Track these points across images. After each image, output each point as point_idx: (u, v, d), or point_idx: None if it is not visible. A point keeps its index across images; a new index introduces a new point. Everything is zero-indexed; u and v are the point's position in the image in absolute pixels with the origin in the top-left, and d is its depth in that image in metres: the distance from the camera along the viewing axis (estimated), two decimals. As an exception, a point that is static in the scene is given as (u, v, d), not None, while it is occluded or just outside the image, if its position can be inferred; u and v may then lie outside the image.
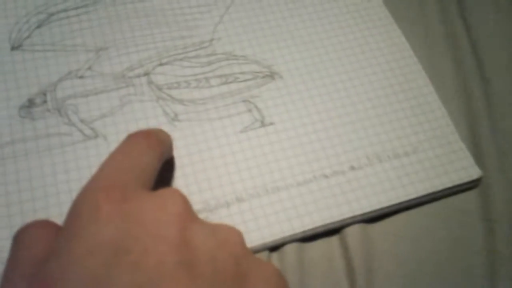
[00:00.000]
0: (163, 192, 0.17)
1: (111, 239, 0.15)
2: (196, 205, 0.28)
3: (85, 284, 0.14)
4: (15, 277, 0.15)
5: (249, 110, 0.31)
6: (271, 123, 0.31)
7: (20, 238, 0.16)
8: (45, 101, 0.30)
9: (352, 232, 0.29)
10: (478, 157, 0.31)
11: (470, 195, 0.30)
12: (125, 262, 0.14)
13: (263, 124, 0.31)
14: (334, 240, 0.29)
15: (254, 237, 0.27)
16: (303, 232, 0.28)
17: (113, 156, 0.18)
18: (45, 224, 0.17)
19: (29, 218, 0.26)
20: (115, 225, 0.15)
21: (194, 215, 0.17)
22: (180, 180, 0.28)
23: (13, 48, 0.32)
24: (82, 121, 0.30)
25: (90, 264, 0.14)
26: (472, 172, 0.30)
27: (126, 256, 0.14)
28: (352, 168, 0.30)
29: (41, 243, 0.16)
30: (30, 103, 0.30)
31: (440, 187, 0.30)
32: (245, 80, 0.32)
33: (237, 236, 0.17)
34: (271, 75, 0.33)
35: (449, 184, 0.30)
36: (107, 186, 0.16)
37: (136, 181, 0.17)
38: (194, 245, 0.16)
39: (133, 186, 0.17)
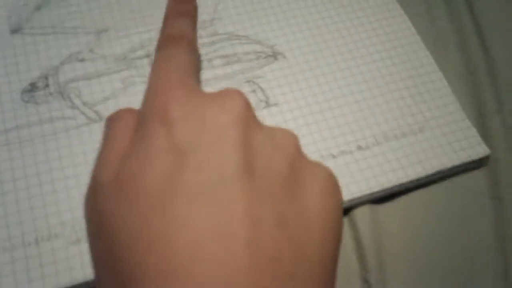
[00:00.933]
0: (224, 92, 0.17)
1: (178, 140, 0.15)
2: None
3: (155, 185, 0.15)
4: (103, 168, 0.16)
5: (253, 91, 0.31)
6: (276, 104, 0.31)
7: (108, 127, 0.18)
8: (47, 85, 0.29)
9: (361, 213, 0.28)
10: (485, 135, 0.31)
11: (478, 173, 0.30)
12: (192, 162, 0.15)
13: (267, 105, 0.31)
14: (343, 221, 0.29)
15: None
16: (311, 212, 0.28)
17: (155, 71, 0.18)
18: (132, 114, 0.17)
19: (37, 204, 0.26)
20: (181, 127, 0.16)
21: (254, 117, 0.17)
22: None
23: (12, 32, 0.31)
24: (85, 104, 0.29)
25: (161, 165, 0.15)
26: (480, 150, 0.30)
27: (191, 157, 0.15)
28: (359, 147, 0.30)
29: (129, 133, 0.17)
30: (33, 87, 0.29)
31: (448, 165, 0.30)
32: (248, 61, 0.32)
33: (293, 139, 0.17)
34: (274, 55, 0.32)
35: (457, 162, 0.30)
36: (168, 87, 0.17)
37: (189, 79, 0.18)
38: (254, 148, 0.16)
39: (190, 84, 0.17)
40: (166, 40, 0.20)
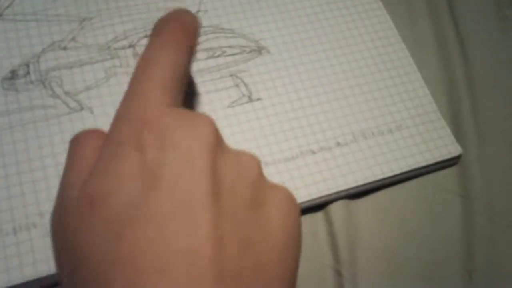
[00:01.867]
0: (196, 117, 0.17)
1: (151, 165, 0.16)
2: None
3: (124, 206, 0.15)
4: (69, 185, 0.16)
5: (236, 85, 0.31)
6: (259, 99, 0.31)
7: (74, 147, 0.17)
8: (28, 73, 0.29)
9: (336, 208, 0.29)
10: (459, 135, 0.32)
11: (450, 172, 0.31)
12: (162, 185, 0.15)
13: (250, 100, 0.31)
14: (319, 215, 0.29)
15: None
16: (289, 207, 0.29)
17: (137, 75, 0.18)
18: (97, 135, 0.18)
19: (16, 193, 0.26)
20: (154, 153, 0.16)
21: (222, 142, 0.18)
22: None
23: (-8, 17, 0.30)
24: (66, 93, 0.29)
25: (131, 186, 0.15)
26: (453, 149, 0.31)
27: (161, 181, 0.15)
28: (338, 144, 0.31)
29: (91, 154, 0.17)
30: (13, 75, 0.29)
31: (422, 164, 0.31)
32: (232, 54, 0.32)
33: (256, 163, 0.18)
34: (259, 50, 0.33)
35: (431, 161, 0.31)
36: (144, 112, 0.17)
37: (170, 97, 0.18)
38: (220, 174, 0.16)
39: (169, 106, 0.17)
40: (161, 24, 0.19)
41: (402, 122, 0.32)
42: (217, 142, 0.17)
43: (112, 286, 0.14)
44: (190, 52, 0.20)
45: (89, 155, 0.17)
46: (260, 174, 0.18)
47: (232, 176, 0.17)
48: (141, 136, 0.16)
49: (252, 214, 0.17)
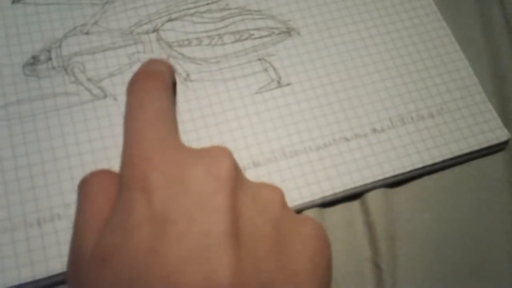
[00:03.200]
0: (210, 150, 0.16)
1: (159, 210, 0.14)
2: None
3: (137, 258, 0.14)
4: (82, 235, 0.15)
5: (265, 70, 0.30)
6: (288, 84, 0.29)
7: (84, 191, 0.17)
8: (50, 58, 0.28)
9: (373, 197, 0.28)
10: (506, 119, 0.30)
11: (496, 158, 0.29)
12: (173, 233, 0.14)
13: (279, 85, 0.29)
14: (354, 205, 0.28)
15: (273, 202, 0.26)
16: (323, 197, 0.27)
17: (130, 123, 0.17)
18: (106, 176, 0.17)
19: (39, 183, 0.25)
20: (162, 195, 0.15)
21: (241, 176, 0.16)
22: (194, 144, 0.27)
23: (14, 1, 0.30)
24: (89, 80, 0.28)
25: (141, 237, 0.14)
26: (500, 134, 0.29)
27: (173, 226, 0.14)
28: (374, 130, 0.29)
29: (105, 198, 0.16)
30: (35, 60, 0.28)
31: (466, 150, 0.29)
32: (260, 37, 0.31)
33: (278, 197, 0.17)
34: (288, 32, 0.31)
35: (476, 147, 0.29)
36: (147, 153, 0.16)
37: (168, 133, 0.17)
38: (239, 212, 0.15)
39: (170, 143, 0.16)
40: (135, 77, 0.18)
41: (444, 105, 0.30)
42: (236, 175, 0.15)
43: None
44: (172, 89, 0.19)
45: (99, 200, 0.16)
46: (283, 208, 0.16)
47: (253, 214, 0.15)
48: (146, 177, 0.15)
49: (276, 255, 0.15)
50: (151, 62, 0.19)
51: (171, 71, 0.19)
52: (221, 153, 0.16)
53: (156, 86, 0.17)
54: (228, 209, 0.14)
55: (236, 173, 0.16)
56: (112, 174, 0.16)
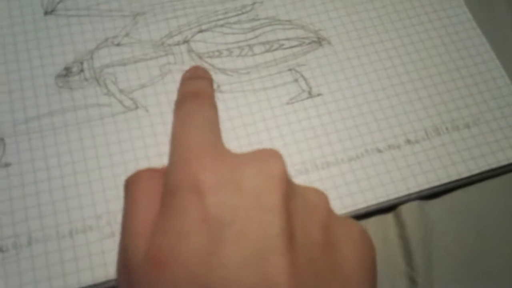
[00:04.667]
0: (261, 153, 0.16)
1: (213, 211, 0.14)
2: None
3: (195, 261, 0.14)
4: (133, 237, 0.15)
5: (295, 80, 0.29)
6: (319, 94, 0.29)
7: (131, 191, 0.16)
8: (82, 70, 0.28)
9: (408, 210, 0.27)
10: (546, 129, 0.29)
11: (536, 170, 0.28)
12: (230, 234, 0.14)
13: (310, 95, 0.29)
14: (389, 217, 0.27)
15: (305, 215, 0.26)
16: (356, 210, 0.26)
17: (178, 129, 0.17)
18: (152, 175, 0.16)
19: (72, 194, 0.25)
20: (215, 196, 0.14)
21: (291, 179, 0.16)
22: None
23: (46, 13, 0.30)
24: (121, 91, 0.28)
25: (197, 240, 0.14)
26: (540, 145, 0.28)
27: (229, 227, 0.14)
28: (408, 141, 0.28)
29: (153, 198, 0.16)
30: (67, 72, 0.28)
31: (503, 162, 0.28)
32: (290, 47, 0.30)
33: (324, 200, 0.17)
34: (319, 41, 0.31)
35: (515, 159, 0.28)
36: (198, 154, 0.15)
37: (216, 139, 0.16)
38: (292, 214, 0.15)
39: (220, 147, 0.16)
40: (184, 97, 0.18)
41: (481, 115, 0.29)
42: (286, 176, 0.15)
43: None
44: (215, 106, 0.19)
45: (148, 200, 0.16)
46: (330, 211, 0.16)
47: (303, 216, 0.15)
48: (197, 177, 0.15)
49: (327, 258, 0.15)
50: (195, 74, 0.19)
51: (211, 82, 0.19)
52: (272, 154, 0.15)
53: (204, 103, 0.18)
54: (282, 209, 0.14)
55: (286, 173, 0.15)
56: (157, 173, 0.16)
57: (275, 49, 0.30)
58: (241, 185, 0.15)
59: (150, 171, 0.16)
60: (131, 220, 0.16)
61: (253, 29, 0.31)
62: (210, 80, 0.19)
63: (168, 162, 0.16)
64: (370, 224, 0.27)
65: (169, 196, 0.15)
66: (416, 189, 0.27)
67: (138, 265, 0.14)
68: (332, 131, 0.28)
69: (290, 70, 0.30)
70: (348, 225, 0.16)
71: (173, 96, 0.18)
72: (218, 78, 0.29)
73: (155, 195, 0.16)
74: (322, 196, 0.17)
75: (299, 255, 0.14)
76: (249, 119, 0.28)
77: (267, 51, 0.30)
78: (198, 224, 0.14)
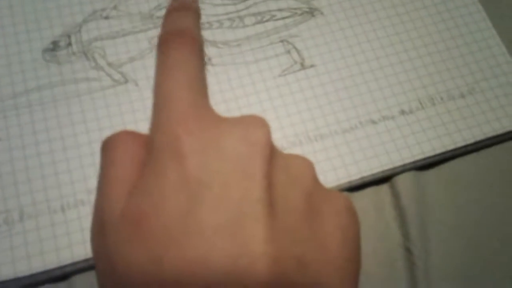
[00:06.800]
0: (246, 119, 0.15)
1: (193, 173, 0.14)
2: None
3: (168, 225, 0.14)
4: (108, 199, 0.15)
5: (288, 52, 0.29)
6: (312, 65, 0.29)
7: (108, 152, 0.16)
8: (69, 44, 0.28)
9: (403, 180, 0.27)
10: (542, 97, 0.28)
11: (532, 138, 0.28)
12: (208, 197, 0.14)
13: (303, 67, 0.29)
14: (384, 188, 0.27)
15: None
16: (349, 182, 0.26)
17: (162, 81, 0.16)
18: (132, 138, 0.16)
19: (62, 169, 0.25)
20: (196, 159, 0.14)
21: (274, 146, 0.16)
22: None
23: (32, -13, 0.29)
24: (110, 65, 0.28)
25: (176, 201, 0.14)
26: (536, 113, 0.28)
27: (209, 190, 0.14)
28: (402, 112, 0.28)
29: (131, 160, 0.15)
30: (55, 46, 0.28)
31: (500, 131, 0.27)
32: (282, 18, 0.30)
33: (309, 168, 0.16)
34: (311, 12, 0.30)
35: (510, 128, 0.27)
36: (182, 115, 0.15)
37: (202, 98, 0.16)
38: (272, 181, 0.15)
39: (205, 107, 0.16)
40: (168, 37, 0.17)
41: (476, 85, 0.28)
42: (270, 143, 0.15)
43: None
44: (202, 51, 0.18)
45: (126, 162, 0.15)
46: (315, 180, 0.16)
47: (285, 184, 0.15)
48: (180, 141, 0.14)
49: (308, 228, 0.15)
50: (181, 5, 0.18)
51: (199, 17, 0.18)
52: (257, 121, 0.15)
53: (190, 48, 0.17)
54: (263, 176, 0.14)
55: (270, 140, 0.15)
56: (138, 136, 0.16)
57: (267, 20, 0.30)
58: (224, 150, 0.14)
59: (131, 133, 0.16)
60: (108, 181, 0.15)
61: (243, 0, 0.30)
62: (197, 14, 0.18)
63: (151, 118, 0.16)
64: (365, 195, 0.27)
65: (150, 157, 0.15)
66: (411, 160, 0.27)
67: (115, 224, 0.14)
68: (325, 103, 0.28)
69: (282, 41, 0.29)
70: (333, 196, 0.16)
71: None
72: (209, 51, 0.29)
73: (136, 157, 0.15)
74: (307, 164, 0.16)
75: (279, 222, 0.14)
76: (240, 92, 0.28)
77: (258, 22, 0.30)
78: (178, 185, 0.14)
